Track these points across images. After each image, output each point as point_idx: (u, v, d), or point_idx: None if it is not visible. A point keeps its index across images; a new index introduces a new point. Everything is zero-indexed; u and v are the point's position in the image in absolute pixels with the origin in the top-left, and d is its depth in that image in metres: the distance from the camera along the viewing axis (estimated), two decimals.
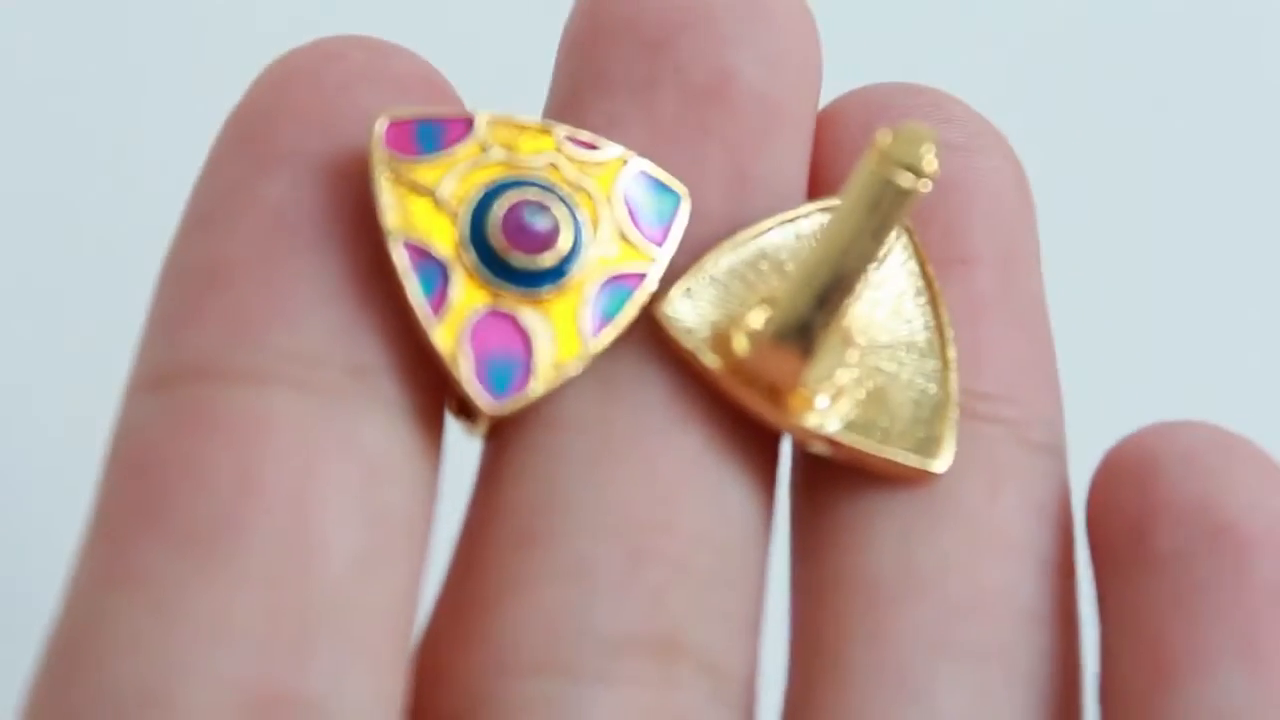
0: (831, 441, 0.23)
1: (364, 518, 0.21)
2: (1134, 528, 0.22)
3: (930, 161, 0.21)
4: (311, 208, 0.22)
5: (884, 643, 0.22)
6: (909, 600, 0.22)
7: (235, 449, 0.21)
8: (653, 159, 0.23)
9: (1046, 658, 0.22)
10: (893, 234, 0.22)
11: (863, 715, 0.21)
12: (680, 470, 0.22)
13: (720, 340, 0.23)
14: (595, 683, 0.21)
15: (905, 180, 0.21)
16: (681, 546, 0.22)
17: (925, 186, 0.21)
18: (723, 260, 0.23)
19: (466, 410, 0.23)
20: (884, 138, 0.22)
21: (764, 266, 0.23)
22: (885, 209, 0.21)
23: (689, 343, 0.23)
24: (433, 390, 0.22)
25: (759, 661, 0.23)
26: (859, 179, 0.22)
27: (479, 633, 0.22)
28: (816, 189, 0.25)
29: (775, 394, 0.23)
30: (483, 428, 0.23)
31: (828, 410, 0.23)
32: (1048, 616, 0.22)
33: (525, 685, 0.21)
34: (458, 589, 0.22)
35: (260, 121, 0.23)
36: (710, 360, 0.23)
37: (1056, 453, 0.24)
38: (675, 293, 0.23)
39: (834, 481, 0.23)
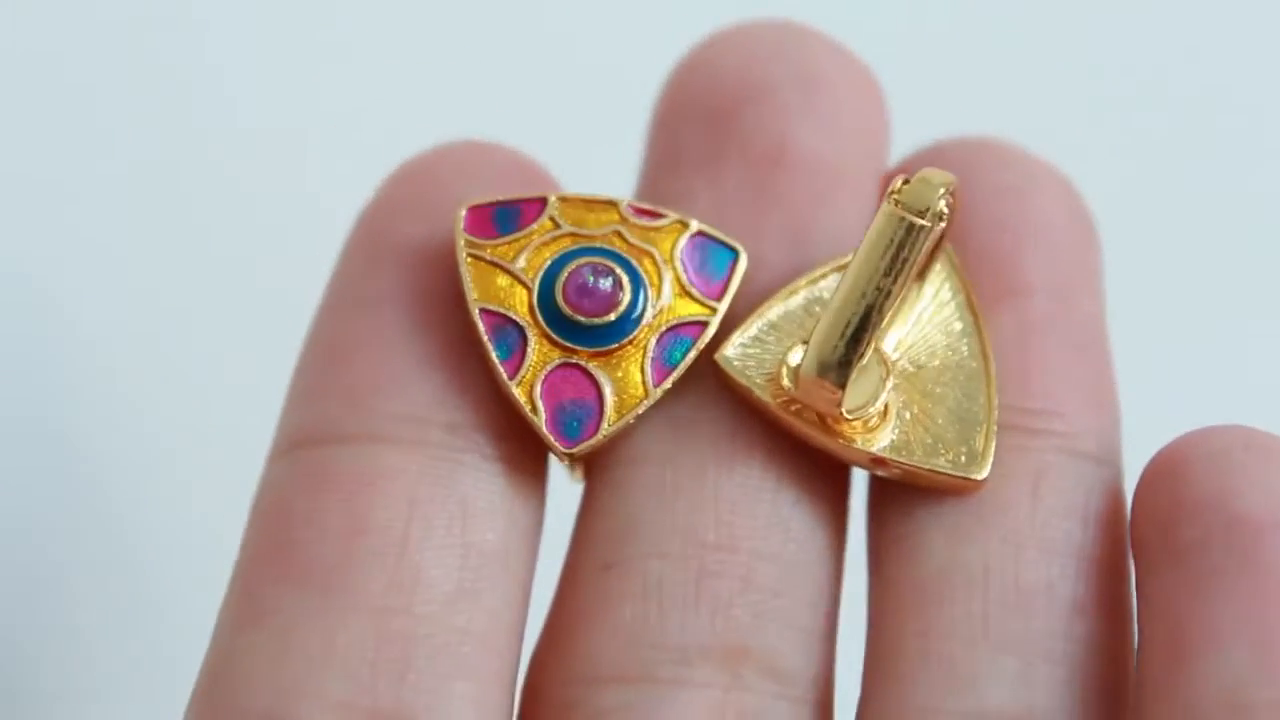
0: (879, 460, 0.25)
1: (461, 554, 0.24)
2: (1163, 523, 0.24)
3: (938, 203, 0.24)
4: (416, 290, 0.26)
5: (932, 637, 0.24)
6: (955, 596, 0.24)
7: (346, 498, 0.24)
8: (716, 224, 0.26)
9: (1090, 648, 0.24)
10: (912, 271, 0.24)
11: (914, 704, 0.24)
12: (742, 496, 0.25)
13: (774, 379, 0.25)
14: (668, 687, 0.24)
15: (914, 220, 0.24)
16: (744, 562, 0.24)
17: (935, 225, 0.24)
18: (777, 307, 0.26)
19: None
20: (897, 183, 0.24)
21: (816, 310, 0.26)
22: (897, 248, 0.24)
23: (745, 382, 0.25)
24: (526, 442, 0.25)
25: (831, 666, 0.25)
26: (876, 220, 0.24)
27: (568, 651, 0.24)
28: None
29: (824, 423, 0.25)
30: (579, 472, 0.26)
31: (875, 433, 0.25)
32: (1091, 610, 0.24)
33: (606, 693, 0.24)
34: (554, 615, 0.25)
35: (380, 217, 0.27)
36: (763, 396, 0.25)
37: (1105, 461, 0.25)
38: (734, 338, 0.26)
39: (893, 499, 0.25)
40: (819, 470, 0.25)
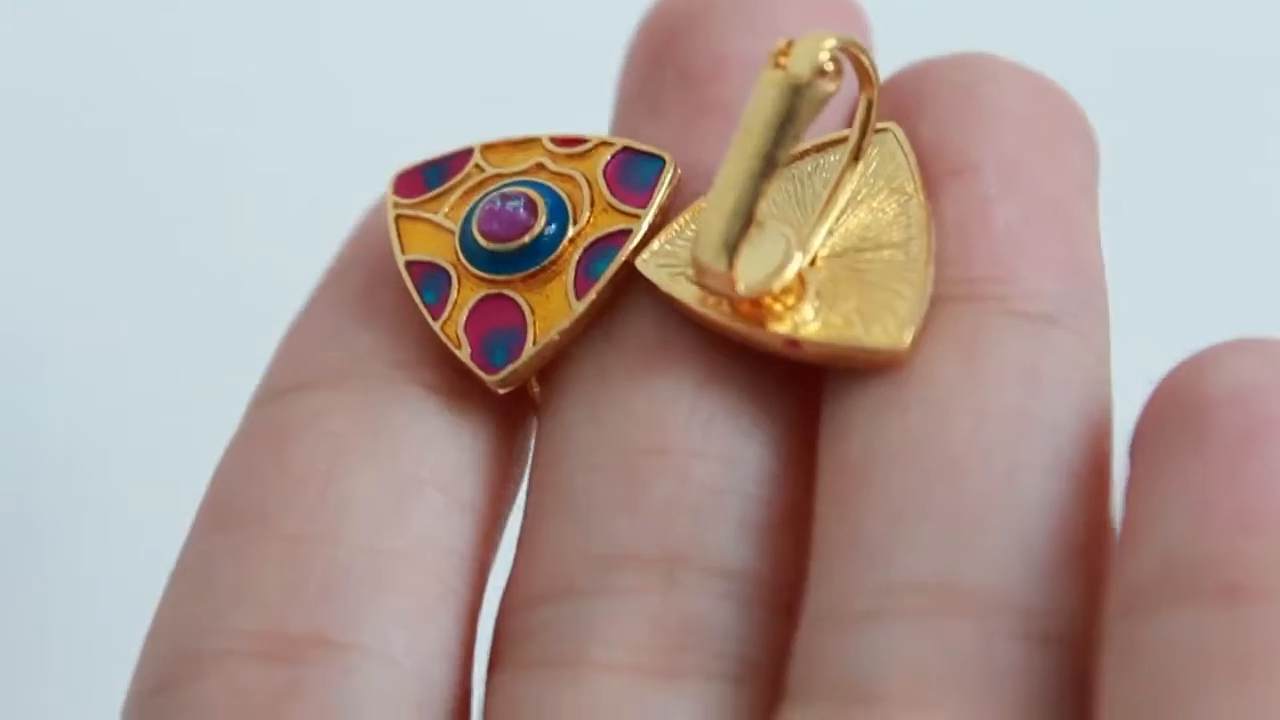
0: (792, 342, 0.23)
1: (389, 482, 0.24)
2: (1138, 425, 0.22)
3: (823, 60, 0.23)
4: (362, 262, 0.26)
5: (850, 519, 0.22)
6: (875, 475, 0.22)
7: (275, 443, 0.24)
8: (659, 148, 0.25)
9: (1031, 513, 0.22)
10: (796, 135, 0.23)
11: (837, 587, 0.22)
12: (674, 397, 0.24)
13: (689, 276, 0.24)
14: (598, 597, 0.22)
15: (795, 79, 0.23)
16: (678, 463, 0.23)
17: (817, 83, 0.23)
18: (696, 206, 0.25)
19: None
20: (780, 44, 0.23)
21: None
22: (778, 111, 0.23)
23: (662, 283, 0.24)
24: (471, 377, 0.25)
25: (792, 564, 0.23)
26: (755, 86, 0.23)
27: (509, 581, 0.24)
28: None
29: (739, 311, 0.24)
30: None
31: (802, 319, 0.24)
32: (1034, 475, 0.22)
33: (534, 613, 0.23)
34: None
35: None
36: (680, 294, 0.24)
37: (1056, 320, 0.23)
38: (655, 244, 0.25)
39: (828, 388, 0.24)
40: (757, 367, 0.24)
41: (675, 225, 0.25)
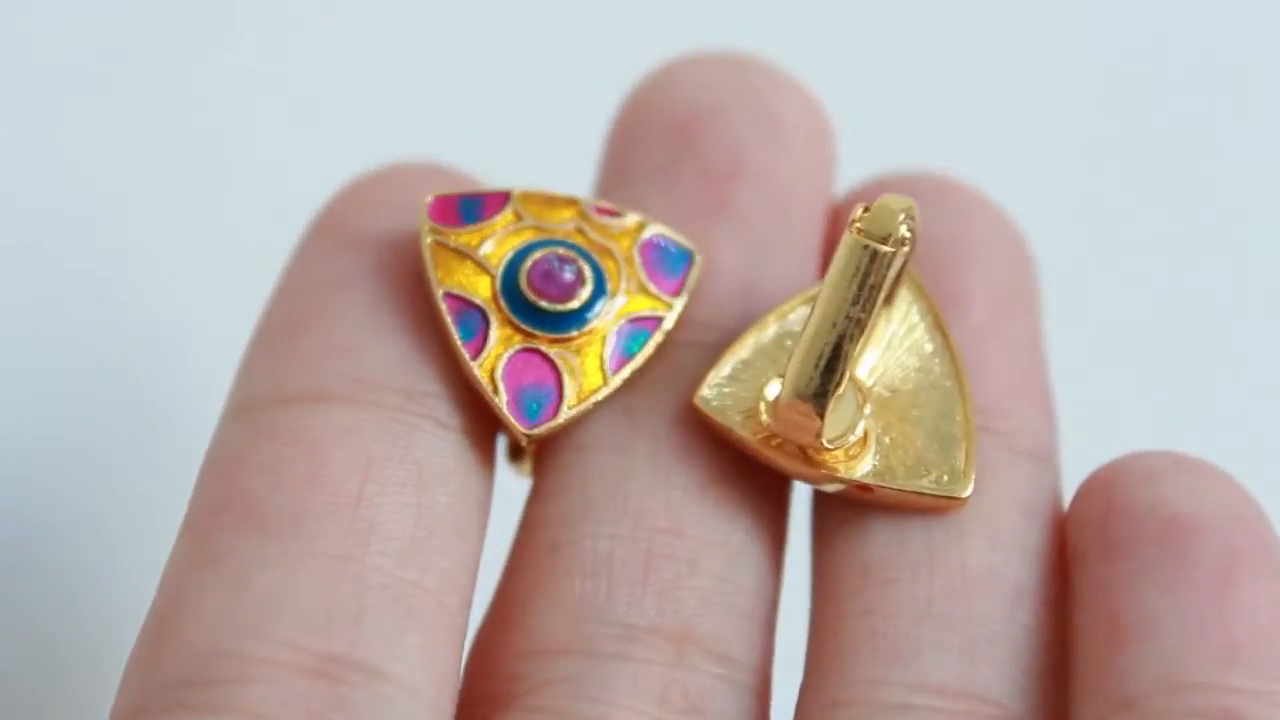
0: (864, 487, 0.25)
1: (416, 512, 0.24)
2: (1099, 525, 0.25)
3: (900, 228, 0.24)
4: (376, 273, 0.26)
5: (877, 616, 0.24)
6: (900, 579, 0.25)
7: (303, 451, 0.24)
8: (671, 229, 0.27)
9: (1031, 632, 0.25)
10: (880, 297, 0.24)
11: (858, 678, 0.24)
12: (692, 484, 0.25)
13: (752, 414, 0.26)
14: (614, 661, 0.24)
15: (878, 247, 0.24)
16: (691, 547, 0.25)
17: (898, 250, 0.24)
18: (749, 343, 0.26)
19: (517, 452, 0.26)
20: (858, 211, 0.25)
21: (788, 343, 0.26)
22: (864, 275, 0.24)
23: (725, 421, 0.25)
24: (479, 416, 0.26)
25: (770, 659, 0.25)
26: (840, 249, 0.24)
27: (515, 626, 0.25)
28: None
29: (805, 454, 0.25)
30: (528, 466, 0.26)
31: (856, 460, 0.25)
32: (1033, 596, 0.25)
33: (551, 665, 0.24)
34: (501, 594, 0.25)
35: (334, 215, 0.27)
36: (743, 433, 0.25)
37: (1045, 461, 0.26)
38: (709, 378, 0.26)
39: (817, 499, 0.26)
40: (762, 473, 0.26)
41: (728, 364, 0.26)
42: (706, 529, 0.25)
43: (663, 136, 0.28)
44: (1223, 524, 0.24)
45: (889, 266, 0.24)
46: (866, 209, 0.25)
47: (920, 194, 0.28)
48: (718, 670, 0.24)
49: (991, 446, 0.26)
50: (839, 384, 0.24)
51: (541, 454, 0.26)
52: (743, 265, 0.27)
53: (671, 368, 0.26)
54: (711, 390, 0.26)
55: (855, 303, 0.24)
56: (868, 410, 0.26)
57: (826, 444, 0.25)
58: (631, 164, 0.28)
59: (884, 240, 0.24)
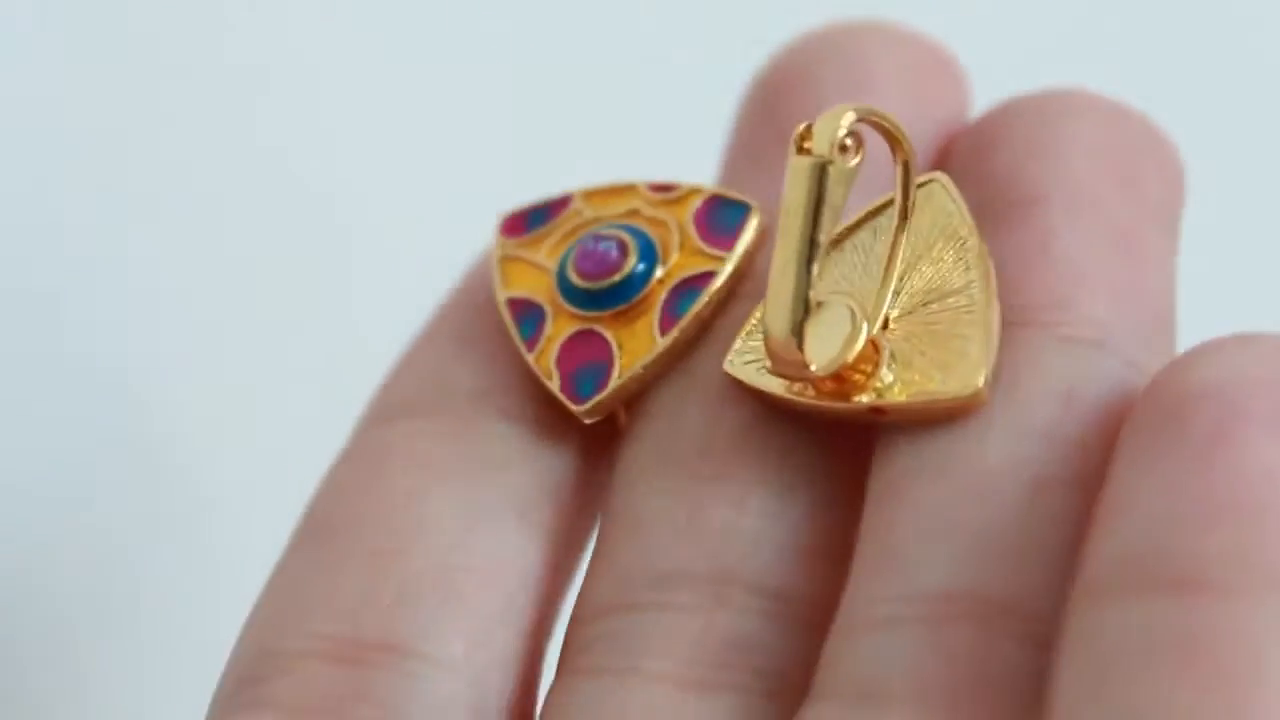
0: (877, 409, 0.24)
1: (469, 504, 0.25)
2: (1125, 425, 0.22)
3: (841, 135, 0.24)
4: (468, 298, 0.28)
5: (885, 532, 0.23)
6: (911, 490, 0.23)
7: (369, 464, 0.26)
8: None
9: (1055, 524, 0.22)
10: (833, 213, 0.24)
11: (861, 597, 0.23)
12: (742, 427, 0.25)
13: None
14: (651, 612, 0.24)
15: (819, 160, 0.23)
16: (738, 489, 0.24)
17: (841, 159, 0.24)
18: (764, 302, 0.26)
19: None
20: (800, 128, 0.24)
21: None
22: (810, 193, 0.24)
23: (752, 381, 0.25)
24: (555, 405, 0.26)
25: (834, 591, 0.24)
26: (787, 173, 0.24)
27: (578, 596, 0.25)
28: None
29: (835, 389, 0.24)
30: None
31: (883, 384, 0.24)
32: (1060, 484, 0.23)
33: (593, 627, 0.24)
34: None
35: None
36: (770, 386, 0.25)
37: (1103, 346, 0.24)
38: (735, 344, 0.26)
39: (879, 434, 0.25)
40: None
41: (748, 326, 0.26)
42: (755, 468, 0.25)
43: (760, 118, 0.28)
44: (1228, 388, 0.21)
45: (837, 178, 0.24)
46: (809, 126, 0.24)
47: (1029, 106, 0.27)
48: (762, 605, 0.24)
49: (1037, 338, 0.24)
50: (804, 308, 0.24)
51: (628, 424, 0.27)
52: None
53: (735, 323, 0.26)
54: (735, 355, 0.25)
55: (808, 223, 0.23)
56: (866, 328, 0.24)
57: (821, 373, 0.24)
58: (735, 153, 0.28)
59: (827, 152, 0.23)
